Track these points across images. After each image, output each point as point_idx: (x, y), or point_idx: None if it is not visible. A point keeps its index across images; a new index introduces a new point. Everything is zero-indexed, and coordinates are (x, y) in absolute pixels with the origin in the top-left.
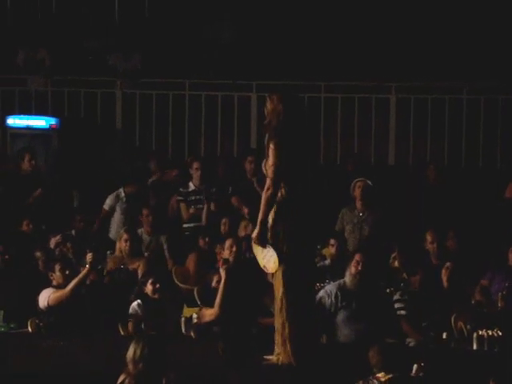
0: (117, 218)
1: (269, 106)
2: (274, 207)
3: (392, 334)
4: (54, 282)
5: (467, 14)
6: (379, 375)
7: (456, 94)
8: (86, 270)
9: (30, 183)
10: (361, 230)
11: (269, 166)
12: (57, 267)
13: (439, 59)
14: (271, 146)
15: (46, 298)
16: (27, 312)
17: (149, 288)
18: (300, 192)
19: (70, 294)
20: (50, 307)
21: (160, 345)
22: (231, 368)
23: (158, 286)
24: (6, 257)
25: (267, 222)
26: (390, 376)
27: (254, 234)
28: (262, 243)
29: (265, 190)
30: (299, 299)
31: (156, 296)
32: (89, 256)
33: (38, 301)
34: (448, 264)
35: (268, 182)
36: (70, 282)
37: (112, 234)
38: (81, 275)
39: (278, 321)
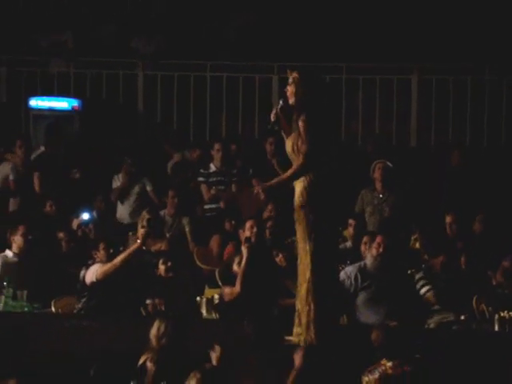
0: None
1: (294, 86)
2: (303, 189)
3: (413, 316)
4: (98, 261)
5: None
6: (382, 362)
7: (478, 75)
8: (137, 244)
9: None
10: (381, 211)
11: (302, 142)
12: (101, 246)
13: (461, 40)
14: (301, 122)
15: (94, 272)
16: (51, 292)
17: (161, 268)
18: (326, 173)
19: (120, 266)
20: (97, 282)
21: (183, 322)
22: (258, 349)
23: (169, 264)
24: (29, 237)
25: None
26: (390, 364)
27: (268, 183)
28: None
29: (295, 165)
30: (325, 281)
31: (170, 274)
32: (141, 232)
33: (83, 277)
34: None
35: (300, 158)
36: (112, 260)
37: (118, 214)
38: (131, 248)
39: (301, 303)
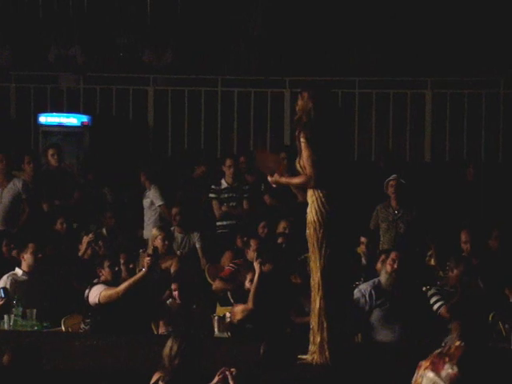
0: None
1: (299, 102)
2: (313, 205)
3: (428, 334)
4: (103, 278)
5: (503, 6)
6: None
7: (493, 89)
8: (143, 272)
9: (56, 179)
10: (396, 227)
11: (305, 160)
12: (106, 263)
13: (475, 53)
14: (302, 139)
15: (97, 294)
16: (60, 311)
17: (175, 294)
18: (338, 189)
19: (123, 294)
20: (100, 304)
21: (196, 342)
22: (271, 369)
23: (184, 293)
24: (40, 255)
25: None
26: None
27: (279, 179)
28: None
29: (304, 176)
30: (338, 299)
31: (183, 301)
32: (147, 260)
33: (87, 296)
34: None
35: (306, 175)
36: (117, 278)
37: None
38: (136, 277)
39: (314, 320)
